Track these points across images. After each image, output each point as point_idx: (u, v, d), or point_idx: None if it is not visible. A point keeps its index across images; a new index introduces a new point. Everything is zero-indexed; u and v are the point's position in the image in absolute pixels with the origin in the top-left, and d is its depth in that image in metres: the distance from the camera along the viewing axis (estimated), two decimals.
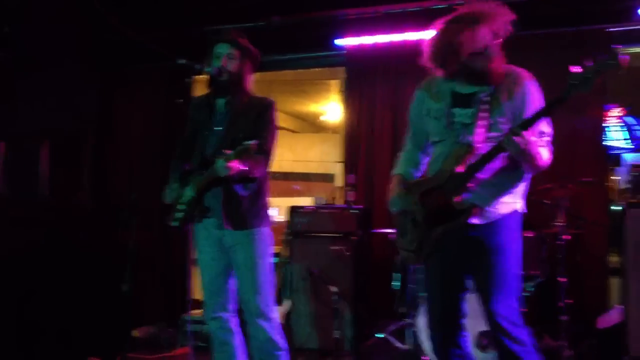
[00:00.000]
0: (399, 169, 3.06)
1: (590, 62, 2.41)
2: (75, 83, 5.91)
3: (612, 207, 5.35)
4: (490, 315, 2.70)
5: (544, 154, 2.68)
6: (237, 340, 3.41)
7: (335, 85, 8.11)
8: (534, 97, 2.71)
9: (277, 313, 3.34)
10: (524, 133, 2.50)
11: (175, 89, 3.52)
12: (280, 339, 3.30)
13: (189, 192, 3.28)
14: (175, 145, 3.52)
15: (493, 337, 2.74)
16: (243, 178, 3.17)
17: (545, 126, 2.74)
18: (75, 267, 4.85)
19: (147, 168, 5.85)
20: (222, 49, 3.29)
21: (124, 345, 3.48)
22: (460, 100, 2.78)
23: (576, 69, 2.44)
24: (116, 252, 4.40)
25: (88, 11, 5.69)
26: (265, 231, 3.34)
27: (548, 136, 2.76)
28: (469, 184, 2.66)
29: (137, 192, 3.31)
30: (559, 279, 4.46)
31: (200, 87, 3.75)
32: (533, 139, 2.56)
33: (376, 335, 4.91)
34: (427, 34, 2.79)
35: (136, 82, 6.31)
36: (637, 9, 4.84)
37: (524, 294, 4.30)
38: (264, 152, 3.21)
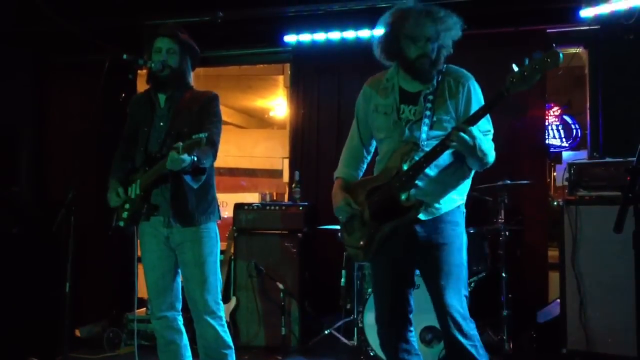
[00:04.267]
0: (341, 171, 3.06)
1: (528, 60, 2.47)
2: (8, 75, 5.72)
3: (551, 204, 5.52)
4: (443, 309, 2.72)
5: (491, 150, 2.74)
6: (184, 339, 3.37)
7: (282, 81, 8.09)
8: (477, 96, 2.79)
9: (224, 311, 3.32)
10: (471, 129, 2.56)
11: (116, 84, 3.43)
12: (227, 337, 3.28)
13: (134, 191, 3.22)
14: (118, 144, 3.44)
15: (444, 332, 2.76)
16: (194, 169, 3.13)
17: (487, 124, 2.81)
18: (11, 264, 4.71)
19: (86, 164, 5.68)
20: (162, 43, 3.23)
21: (66, 345, 3.38)
22: (407, 97, 2.82)
23: (515, 67, 2.50)
24: (56, 249, 4.29)
25: (21, 1, 5.51)
26: (213, 227, 3.31)
27: (490, 134, 2.83)
28: (415, 181, 2.70)
29: (75, 188, 3.20)
30: (500, 274, 4.57)
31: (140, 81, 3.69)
32: (480, 135, 2.62)
33: (323, 331, 4.93)
34: (374, 32, 2.84)
35: (75, 75, 6.14)
36: (575, 10, 4.98)
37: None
38: (211, 143, 3.16)
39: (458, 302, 2.73)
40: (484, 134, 2.77)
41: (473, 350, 2.70)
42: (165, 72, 3.20)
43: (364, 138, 3.03)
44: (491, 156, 2.73)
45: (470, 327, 2.74)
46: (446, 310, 2.71)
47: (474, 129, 2.57)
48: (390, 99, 2.85)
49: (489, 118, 2.82)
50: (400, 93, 2.84)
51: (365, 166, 3.08)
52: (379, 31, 2.85)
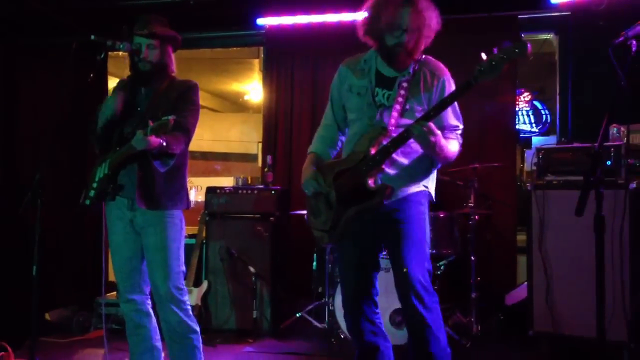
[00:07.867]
0: (314, 146, 3.07)
1: (496, 50, 2.49)
2: None
3: (521, 188, 5.58)
4: (406, 279, 2.72)
5: (452, 147, 2.77)
6: (152, 322, 3.36)
7: (258, 64, 8.05)
8: (450, 91, 2.79)
9: (187, 296, 3.29)
10: (430, 124, 2.58)
11: (86, 65, 3.39)
12: (191, 322, 3.26)
13: (102, 170, 3.21)
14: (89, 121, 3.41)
15: (404, 302, 2.77)
16: (162, 153, 3.12)
17: (455, 120, 2.84)
18: None
19: (57, 146, 5.60)
20: (141, 40, 3.22)
21: (35, 329, 3.36)
22: (382, 80, 2.84)
23: (484, 56, 2.52)
24: (24, 232, 4.25)
25: None
26: (178, 214, 3.28)
27: (459, 130, 2.87)
28: (382, 166, 2.72)
29: (42, 171, 3.17)
30: (469, 257, 4.63)
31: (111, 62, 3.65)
32: (439, 132, 2.63)
33: (295, 315, 4.96)
34: (349, 16, 2.83)
35: (45, 57, 6.05)
36: None
37: (436, 272, 4.44)
38: (183, 130, 3.16)
39: (420, 272, 2.74)
40: (452, 129, 2.83)
41: (432, 323, 2.72)
42: (146, 67, 3.22)
43: (338, 119, 3.04)
44: (451, 152, 2.75)
45: (432, 300, 2.75)
46: (407, 279, 2.71)
47: (434, 125, 2.59)
48: (366, 80, 2.86)
49: (459, 114, 2.87)
50: (376, 76, 2.85)
51: (338, 147, 3.08)
52: (363, 13, 2.84)
